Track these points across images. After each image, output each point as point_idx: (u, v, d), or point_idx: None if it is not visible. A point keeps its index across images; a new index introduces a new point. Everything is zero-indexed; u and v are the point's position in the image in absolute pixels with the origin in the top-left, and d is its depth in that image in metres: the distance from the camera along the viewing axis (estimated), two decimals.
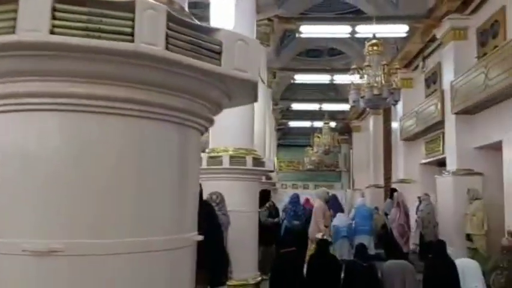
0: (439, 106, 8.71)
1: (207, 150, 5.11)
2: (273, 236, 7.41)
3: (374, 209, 9.94)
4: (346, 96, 16.95)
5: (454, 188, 7.68)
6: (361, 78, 6.59)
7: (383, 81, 6.40)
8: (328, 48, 14.37)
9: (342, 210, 9.97)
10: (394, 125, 12.42)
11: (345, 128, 20.06)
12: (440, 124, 8.96)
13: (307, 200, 14.59)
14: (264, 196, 7.08)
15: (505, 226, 6.50)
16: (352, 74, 6.68)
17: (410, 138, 11.06)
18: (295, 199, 7.72)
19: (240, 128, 5.07)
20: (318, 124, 16.76)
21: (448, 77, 8.38)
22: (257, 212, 5.56)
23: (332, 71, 11.13)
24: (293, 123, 19.40)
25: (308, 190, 21.60)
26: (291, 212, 7.46)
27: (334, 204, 9.86)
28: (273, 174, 13.92)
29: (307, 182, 22.36)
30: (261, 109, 10.70)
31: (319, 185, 22.36)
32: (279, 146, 22.93)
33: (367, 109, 14.91)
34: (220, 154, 4.89)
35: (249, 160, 4.93)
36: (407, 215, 8.05)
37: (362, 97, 6.59)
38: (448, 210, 7.83)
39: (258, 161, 5.12)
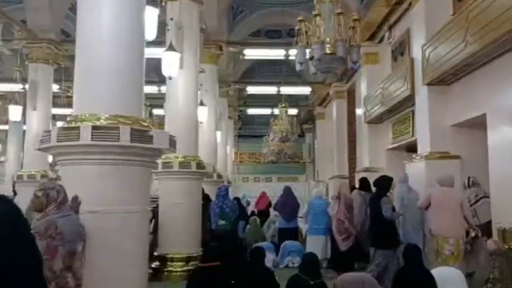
0: (407, 78, 7.27)
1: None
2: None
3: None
4: (306, 79, 15.65)
5: (427, 175, 6.27)
6: (308, 34, 5.01)
7: (338, 36, 4.84)
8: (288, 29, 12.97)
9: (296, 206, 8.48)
10: (359, 108, 11.00)
11: (309, 116, 18.65)
12: (409, 101, 7.55)
13: (263, 196, 13.10)
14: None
15: (492, 223, 5.12)
16: (298, 29, 5.09)
17: (376, 121, 9.64)
18: (222, 192, 6.09)
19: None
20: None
21: (418, 43, 6.96)
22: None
23: (287, 45, 9.65)
24: (252, 111, 17.80)
25: (271, 183, 20.20)
26: (216, 209, 5.83)
27: (287, 200, 8.37)
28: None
29: (269, 174, 20.89)
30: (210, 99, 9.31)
31: (282, 177, 21.03)
32: (240, 136, 21.36)
33: (330, 92, 13.68)
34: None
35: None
36: (348, 209, 6.65)
37: (311, 58, 5.02)
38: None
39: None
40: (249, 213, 12.33)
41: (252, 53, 10.57)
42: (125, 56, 3.41)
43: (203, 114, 8.90)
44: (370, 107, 9.62)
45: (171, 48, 5.84)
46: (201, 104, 8.94)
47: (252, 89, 14.50)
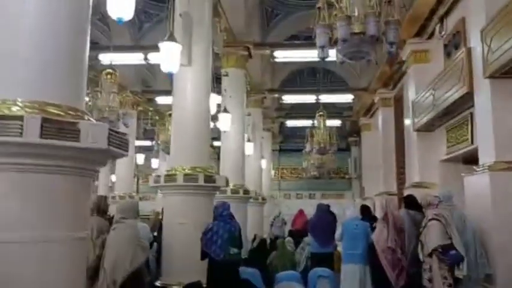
0: (464, 72, 5.97)
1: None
2: None
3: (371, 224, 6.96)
4: (348, 86, 14.41)
5: (493, 190, 4.93)
6: (331, 10, 3.95)
7: (369, 9, 3.75)
8: None
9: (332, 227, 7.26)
10: (407, 116, 9.65)
11: (354, 128, 17.29)
12: (467, 100, 6.22)
13: (301, 213, 11.92)
14: None
15: None
16: (318, 7, 4.05)
17: (426, 128, 8.26)
18: (226, 210, 4.78)
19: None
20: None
21: (476, 29, 5.68)
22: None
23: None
24: (292, 123, 16.73)
25: (314, 200, 18.89)
26: (222, 234, 4.57)
27: (320, 220, 7.19)
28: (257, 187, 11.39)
29: (313, 191, 19.59)
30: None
31: (326, 194, 19.66)
32: (281, 151, 20.31)
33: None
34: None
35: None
36: (399, 233, 5.28)
37: (335, 42, 3.95)
38: (485, 223, 5.07)
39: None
40: (286, 233, 11.25)
41: (283, 55, 9.60)
42: None
43: (225, 121, 8.00)
44: (419, 113, 8.28)
45: (171, 38, 4.98)
46: (225, 110, 8.06)
47: (289, 98, 13.49)
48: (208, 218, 5.47)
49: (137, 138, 12.36)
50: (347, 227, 6.16)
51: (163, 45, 4.94)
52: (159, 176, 5.42)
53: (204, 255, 4.50)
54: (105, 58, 9.10)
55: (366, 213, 5.71)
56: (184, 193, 5.26)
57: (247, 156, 11.48)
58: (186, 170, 5.30)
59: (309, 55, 9.55)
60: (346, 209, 6.89)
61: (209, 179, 5.27)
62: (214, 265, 4.45)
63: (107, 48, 9.17)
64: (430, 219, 4.87)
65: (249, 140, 11.07)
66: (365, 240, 5.91)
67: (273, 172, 18.24)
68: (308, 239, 8.13)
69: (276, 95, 13.11)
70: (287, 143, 19.90)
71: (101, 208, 4.66)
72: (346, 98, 13.51)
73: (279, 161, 20.09)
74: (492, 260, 4.91)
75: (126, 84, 12.15)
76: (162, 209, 5.95)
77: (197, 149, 5.49)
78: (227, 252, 4.49)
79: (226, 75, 8.54)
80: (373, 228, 5.85)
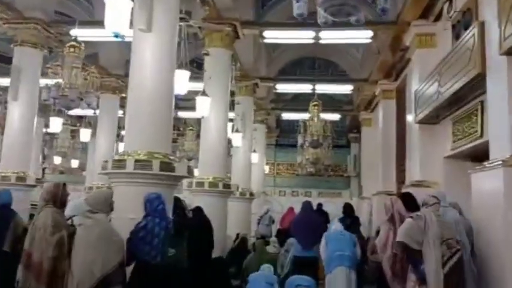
0: (475, 50, 5.07)
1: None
2: None
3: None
4: (348, 76, 13.48)
5: (507, 189, 4.04)
6: None
7: None
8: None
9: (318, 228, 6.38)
10: (410, 108, 8.73)
11: (354, 123, 16.39)
12: (477, 86, 5.33)
13: (290, 212, 11.04)
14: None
15: None
16: None
17: (430, 120, 7.36)
18: (159, 205, 3.80)
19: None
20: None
21: (492, 3, 4.77)
22: None
23: (315, 25, 7.66)
24: (288, 116, 15.85)
25: (310, 198, 18.00)
26: (157, 230, 3.68)
27: (304, 219, 6.33)
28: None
29: (309, 188, 18.70)
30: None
31: (323, 192, 18.79)
32: (278, 145, 19.44)
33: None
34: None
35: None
36: None
37: None
38: (495, 226, 4.18)
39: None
40: (275, 233, 10.44)
41: (272, 35, 8.70)
42: None
43: (204, 105, 7.13)
44: (422, 102, 7.38)
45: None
46: (204, 93, 7.19)
47: (283, 88, 12.60)
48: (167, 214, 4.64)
49: (120, 127, 11.52)
50: (331, 235, 5.32)
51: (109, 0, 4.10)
52: (106, 162, 4.58)
53: (131, 259, 3.62)
54: (81, 34, 8.21)
55: (348, 211, 4.84)
56: (136, 182, 4.40)
57: (235, 148, 10.65)
58: (140, 156, 4.44)
59: (302, 36, 8.66)
60: (331, 224, 6.01)
61: (166, 166, 4.41)
62: (146, 271, 3.58)
63: (82, 24, 8.33)
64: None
65: (237, 131, 10.21)
66: (352, 245, 5.06)
67: (267, 167, 17.34)
68: (292, 240, 7.30)
69: (270, 84, 12.20)
70: (284, 138, 19.01)
71: (58, 198, 3.72)
72: (345, 89, 12.60)
73: (275, 156, 19.20)
74: (502, 269, 4.02)
75: (108, 67, 11.31)
76: None
77: (156, 132, 4.64)
78: (165, 254, 3.67)
79: (207, 54, 7.67)
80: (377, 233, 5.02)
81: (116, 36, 4.21)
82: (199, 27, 7.77)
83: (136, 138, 4.67)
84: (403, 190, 7.67)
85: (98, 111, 11.09)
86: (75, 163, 16.22)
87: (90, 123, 12.16)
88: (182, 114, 14.22)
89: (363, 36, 9.04)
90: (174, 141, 16.17)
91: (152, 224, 3.69)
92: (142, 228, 3.67)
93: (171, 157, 4.70)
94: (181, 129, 15.95)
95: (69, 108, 6.56)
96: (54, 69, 6.53)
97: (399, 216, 4.33)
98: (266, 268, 5.19)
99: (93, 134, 11.86)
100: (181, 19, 6.27)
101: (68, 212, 4.42)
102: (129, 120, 4.76)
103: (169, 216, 3.99)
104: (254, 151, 12.76)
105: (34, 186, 7.95)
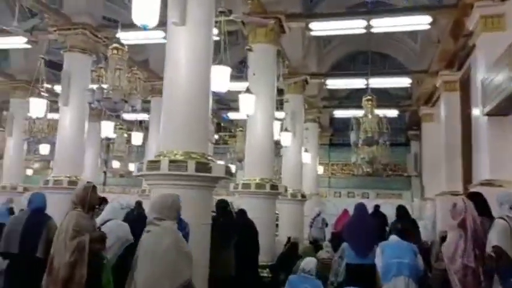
0: None
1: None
2: None
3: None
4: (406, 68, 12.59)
5: None
6: None
7: None
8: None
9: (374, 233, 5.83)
10: (476, 100, 7.88)
11: (414, 119, 15.38)
12: None
13: (345, 214, 10.43)
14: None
15: None
16: None
17: (500, 111, 6.54)
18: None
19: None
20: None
21: None
22: None
23: (367, 13, 7.11)
24: (341, 113, 15.18)
25: (367, 200, 17.17)
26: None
27: (358, 223, 5.81)
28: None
29: (366, 189, 17.85)
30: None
31: (382, 193, 17.86)
32: (332, 145, 18.77)
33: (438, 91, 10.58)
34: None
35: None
36: (480, 247, 3.70)
37: None
38: None
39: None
40: (329, 236, 9.94)
41: (320, 27, 8.17)
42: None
43: (248, 103, 6.83)
44: (490, 92, 6.58)
45: None
46: (247, 91, 6.89)
47: (334, 83, 12.00)
48: (204, 218, 4.37)
49: None
50: (387, 243, 4.78)
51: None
52: (142, 163, 4.38)
53: None
54: (126, 36, 8.23)
55: (402, 214, 4.26)
56: (171, 185, 4.15)
57: (285, 148, 10.27)
58: (176, 156, 4.20)
59: (353, 26, 8.05)
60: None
61: (202, 167, 4.12)
62: None
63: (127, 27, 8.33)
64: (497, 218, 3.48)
65: (286, 130, 9.82)
66: (412, 254, 4.50)
67: (321, 168, 16.74)
68: (346, 245, 6.78)
69: (320, 80, 11.68)
70: (338, 137, 18.27)
71: (86, 202, 3.47)
72: (403, 82, 11.77)
73: (329, 156, 18.54)
74: None
75: (158, 71, 11.35)
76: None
77: (192, 131, 4.38)
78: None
79: (250, 49, 7.36)
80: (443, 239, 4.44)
81: (145, 28, 4.00)
82: (243, 24, 7.49)
83: (171, 138, 4.44)
84: (471, 190, 6.91)
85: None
86: (132, 166, 16.58)
87: (144, 126, 12.34)
88: (232, 115, 14.07)
89: (420, 22, 8.23)
90: (225, 143, 16.12)
91: None
92: None
93: (209, 157, 4.41)
94: (232, 130, 15.84)
95: (114, 111, 6.49)
96: (98, 71, 6.52)
97: (473, 221, 3.70)
98: (309, 265, 4.69)
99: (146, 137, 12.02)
100: (221, 13, 6.02)
101: (104, 215, 4.27)
102: (164, 119, 4.54)
103: (184, 220, 3.66)
104: (306, 151, 12.30)
105: None
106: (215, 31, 6.52)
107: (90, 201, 3.45)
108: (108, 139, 14.79)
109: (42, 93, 8.95)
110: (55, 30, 8.18)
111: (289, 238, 8.53)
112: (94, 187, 3.55)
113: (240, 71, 10.32)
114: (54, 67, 11.02)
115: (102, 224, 4.03)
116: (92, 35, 8.29)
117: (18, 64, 11.76)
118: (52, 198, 5.21)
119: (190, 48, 4.50)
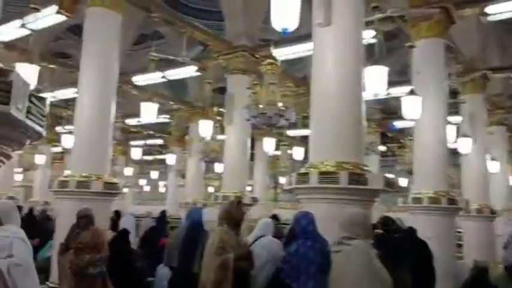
0: None
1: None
2: None
3: None
4: None
5: None
6: None
7: None
8: None
9: None
10: None
11: None
12: None
13: None
14: None
15: None
16: None
17: None
18: (309, 224, 3.12)
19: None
20: None
21: None
22: None
23: None
24: None
25: None
26: (312, 258, 2.88)
27: None
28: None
29: None
30: None
31: None
32: None
33: None
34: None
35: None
36: None
37: None
38: None
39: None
40: None
41: (501, 9, 6.67)
42: None
43: (413, 105, 6.04)
44: None
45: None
46: (411, 92, 6.15)
47: None
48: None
49: None
50: None
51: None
52: (291, 177, 4.12)
53: None
54: (281, 52, 8.32)
55: None
56: (321, 199, 3.78)
57: (464, 156, 8.90)
58: (327, 167, 3.83)
59: None
60: None
61: (357, 178, 3.65)
62: None
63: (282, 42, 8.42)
64: None
65: (463, 135, 8.51)
66: None
67: None
68: None
69: (507, 75, 9.84)
70: None
71: (232, 217, 3.40)
72: None
73: None
74: None
75: None
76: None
77: (343, 138, 3.96)
78: (324, 285, 2.85)
79: (412, 46, 6.54)
80: None
81: (284, 32, 3.77)
82: (402, 20, 6.75)
83: (321, 147, 4.09)
84: None
85: None
86: None
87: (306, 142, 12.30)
88: (399, 123, 13.01)
89: None
90: (393, 154, 14.96)
91: (304, 248, 3.00)
92: (294, 254, 3.01)
93: (365, 167, 3.91)
94: (401, 140, 14.64)
95: (269, 125, 6.48)
96: (253, 88, 6.63)
97: None
98: None
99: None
100: (375, 8, 5.49)
101: (256, 232, 4.14)
102: (312, 127, 4.22)
103: (325, 238, 3.17)
104: (492, 159, 10.49)
105: (250, 205, 8.25)
106: (371, 33, 6.04)
107: (235, 217, 3.32)
108: (273, 155, 15.30)
109: (212, 116, 9.63)
110: (218, 56, 8.74)
111: (475, 261, 7.21)
112: (239, 202, 3.45)
113: (403, 75, 9.44)
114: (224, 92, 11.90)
115: (255, 241, 3.89)
116: (251, 56, 8.59)
117: (195, 92, 13.08)
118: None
119: (338, 49, 4.12)
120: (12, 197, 11.68)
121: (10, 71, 1.19)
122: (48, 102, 1.46)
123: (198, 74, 9.80)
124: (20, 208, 9.44)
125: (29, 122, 1.30)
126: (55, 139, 14.96)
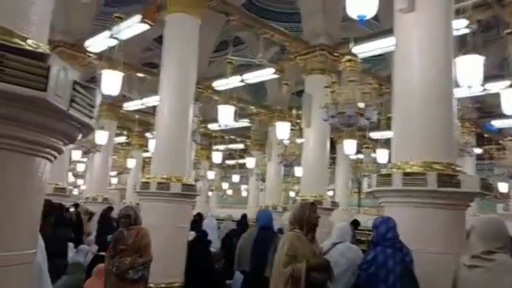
0: None
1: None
2: None
3: None
4: None
5: None
6: None
7: None
8: None
9: None
10: None
11: None
12: None
13: None
14: None
15: None
16: None
17: None
18: (389, 231, 2.67)
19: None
20: None
21: None
22: None
23: None
24: None
25: None
26: (391, 267, 2.52)
27: None
28: None
29: None
30: None
31: None
32: None
33: None
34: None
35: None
36: None
37: None
38: None
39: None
40: None
41: None
42: None
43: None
44: None
45: None
46: None
47: None
48: (455, 247, 3.42)
49: None
50: None
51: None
52: (371, 178, 3.79)
53: None
54: (361, 49, 7.92)
55: None
56: (405, 202, 3.41)
57: None
58: (413, 167, 3.46)
59: None
60: None
61: (447, 180, 3.23)
62: None
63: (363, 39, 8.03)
64: None
65: None
66: None
67: None
68: None
69: None
70: None
71: (304, 221, 3.23)
72: None
73: None
74: None
75: None
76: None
77: (430, 136, 3.55)
78: None
79: (511, 33, 5.78)
80: None
81: (361, 20, 3.47)
82: (500, 4, 6.05)
83: (406, 146, 3.70)
84: None
85: None
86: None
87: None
88: (498, 123, 11.79)
89: None
90: (491, 157, 13.60)
91: (383, 256, 2.65)
92: (372, 262, 2.68)
93: (457, 168, 3.46)
94: (500, 142, 13.26)
95: (349, 126, 6.15)
96: (332, 87, 6.34)
97: None
98: None
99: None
100: None
101: (333, 237, 3.87)
102: (396, 124, 3.85)
103: (407, 247, 2.79)
104: None
105: (329, 209, 7.93)
106: (463, 22, 5.49)
107: (309, 221, 3.08)
108: (356, 159, 14.70)
109: (290, 118, 9.47)
110: (295, 57, 8.56)
111: None
112: (312, 204, 3.18)
113: (501, 69, 8.48)
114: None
115: (331, 248, 3.63)
116: (330, 55, 8.30)
117: (273, 96, 13.03)
118: None
119: (424, 38, 3.72)
120: (106, 198, 12.47)
121: (48, 55, 1.11)
122: (99, 95, 1.37)
123: (276, 76, 9.68)
124: (111, 209, 10.09)
125: (72, 112, 1.23)
126: (145, 144, 15.88)
